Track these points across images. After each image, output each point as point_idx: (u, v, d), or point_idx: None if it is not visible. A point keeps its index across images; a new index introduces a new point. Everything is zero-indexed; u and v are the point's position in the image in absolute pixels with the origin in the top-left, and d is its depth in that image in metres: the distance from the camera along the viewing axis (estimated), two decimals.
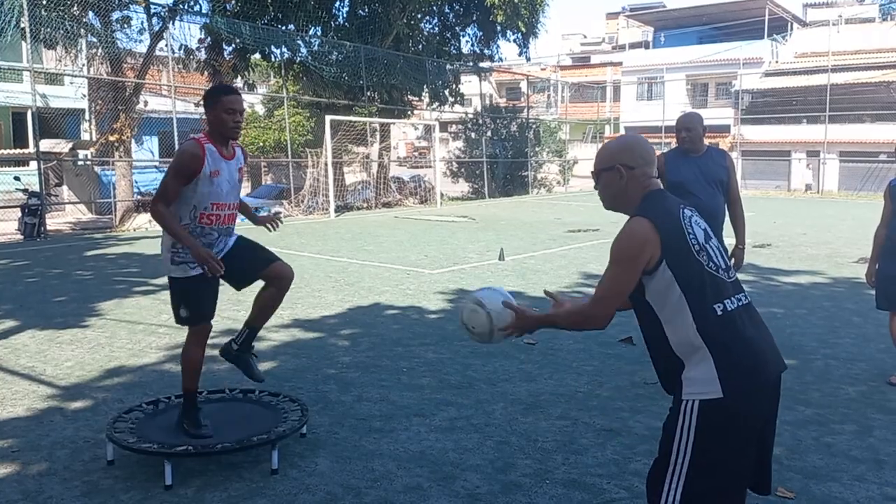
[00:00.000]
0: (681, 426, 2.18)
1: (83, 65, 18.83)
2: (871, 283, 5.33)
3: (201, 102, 3.98)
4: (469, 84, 29.14)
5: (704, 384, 2.15)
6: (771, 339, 2.30)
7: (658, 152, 4.75)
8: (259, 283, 4.00)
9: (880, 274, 5.22)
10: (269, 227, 4.19)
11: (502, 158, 28.40)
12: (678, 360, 2.22)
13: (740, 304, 2.26)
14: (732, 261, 4.88)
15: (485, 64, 27.42)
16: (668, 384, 2.29)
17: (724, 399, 2.13)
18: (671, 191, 4.75)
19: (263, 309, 4.00)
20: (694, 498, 2.17)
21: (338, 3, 22.46)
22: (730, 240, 5.01)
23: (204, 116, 3.86)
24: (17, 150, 22.71)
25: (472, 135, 29.21)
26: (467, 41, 26.84)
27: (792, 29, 37.42)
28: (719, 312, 2.19)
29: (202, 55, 20.36)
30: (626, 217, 2.32)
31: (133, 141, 19.90)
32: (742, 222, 5.07)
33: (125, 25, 18.55)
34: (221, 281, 3.82)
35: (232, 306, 7.09)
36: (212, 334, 3.97)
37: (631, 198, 2.36)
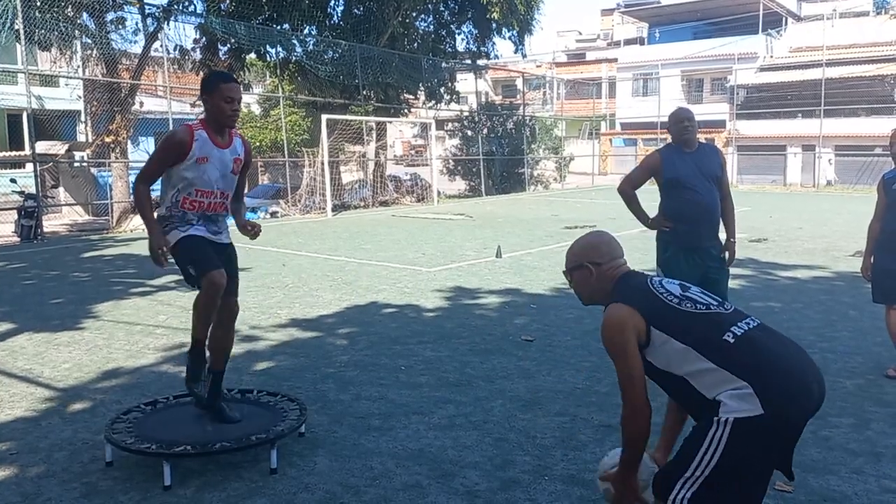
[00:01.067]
0: (710, 439, 2.17)
1: (78, 66, 18.81)
2: (867, 276, 5.34)
3: (198, 100, 3.98)
4: (465, 82, 29.13)
5: (742, 402, 2.15)
6: (799, 348, 2.32)
7: (653, 150, 4.73)
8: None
9: (876, 267, 5.23)
10: (249, 233, 4.03)
11: (499, 156, 28.40)
12: (712, 402, 2.21)
13: (750, 326, 2.29)
14: (726, 254, 4.91)
15: (480, 61, 27.41)
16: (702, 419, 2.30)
17: (764, 416, 2.12)
18: (669, 187, 4.77)
19: (218, 350, 3.94)
20: (704, 500, 2.19)
21: (333, 1, 22.48)
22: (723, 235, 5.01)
23: (200, 117, 3.85)
24: (13, 153, 22.65)
25: (469, 132, 29.22)
26: (463, 39, 26.85)
27: (786, 24, 37.47)
28: (731, 340, 2.23)
29: (197, 55, 20.36)
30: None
31: (129, 142, 19.87)
32: (733, 216, 5.06)
33: (120, 26, 18.54)
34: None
35: None
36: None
37: (604, 289, 2.51)
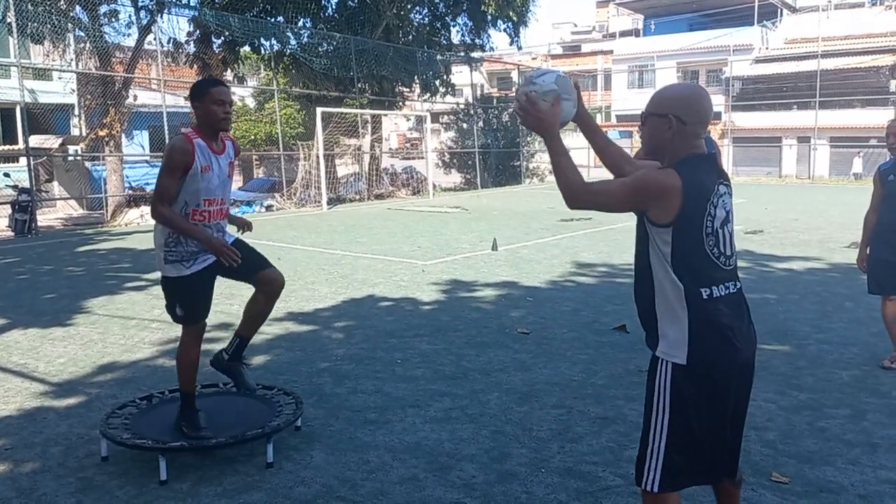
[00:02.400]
0: (658, 389, 2.30)
1: (71, 59, 18.73)
2: (863, 267, 5.34)
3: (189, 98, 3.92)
4: (460, 74, 29.08)
5: (673, 346, 2.26)
6: (747, 328, 2.35)
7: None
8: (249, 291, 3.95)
9: (871, 258, 5.23)
10: (240, 229, 4.00)
11: (494, 149, 28.38)
12: (654, 310, 2.32)
13: (728, 291, 2.30)
14: None
15: (475, 54, 27.36)
16: (645, 324, 2.41)
17: (688, 367, 2.23)
18: None
19: (254, 317, 3.93)
20: (673, 471, 2.27)
21: None
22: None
23: (191, 124, 3.81)
24: (7, 147, 22.56)
25: (464, 125, 29.18)
26: (458, 31, 26.78)
27: (782, 15, 37.46)
28: (704, 296, 2.25)
29: (191, 48, 20.27)
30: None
31: (123, 135, 19.80)
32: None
33: (113, 19, 18.43)
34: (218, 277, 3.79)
35: (225, 300, 7.08)
36: (206, 328, 3.95)
37: (674, 152, 2.29)
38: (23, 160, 17.61)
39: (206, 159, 3.63)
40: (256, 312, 3.92)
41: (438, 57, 25.10)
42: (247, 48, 21.54)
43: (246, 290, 4.07)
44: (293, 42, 21.32)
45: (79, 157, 21.82)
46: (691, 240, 2.22)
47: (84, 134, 21.86)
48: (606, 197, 2.30)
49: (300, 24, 21.45)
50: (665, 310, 2.29)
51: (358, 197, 22.11)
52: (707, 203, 2.23)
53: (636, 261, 2.43)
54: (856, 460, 3.63)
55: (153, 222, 3.72)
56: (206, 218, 3.67)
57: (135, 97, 21.02)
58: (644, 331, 2.44)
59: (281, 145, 22.07)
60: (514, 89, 33.16)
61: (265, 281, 3.84)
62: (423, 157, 26.97)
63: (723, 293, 2.27)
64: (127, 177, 19.99)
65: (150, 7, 18.14)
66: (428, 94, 25.67)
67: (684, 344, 2.24)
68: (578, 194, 2.27)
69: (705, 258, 2.24)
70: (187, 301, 3.70)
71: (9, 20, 14.59)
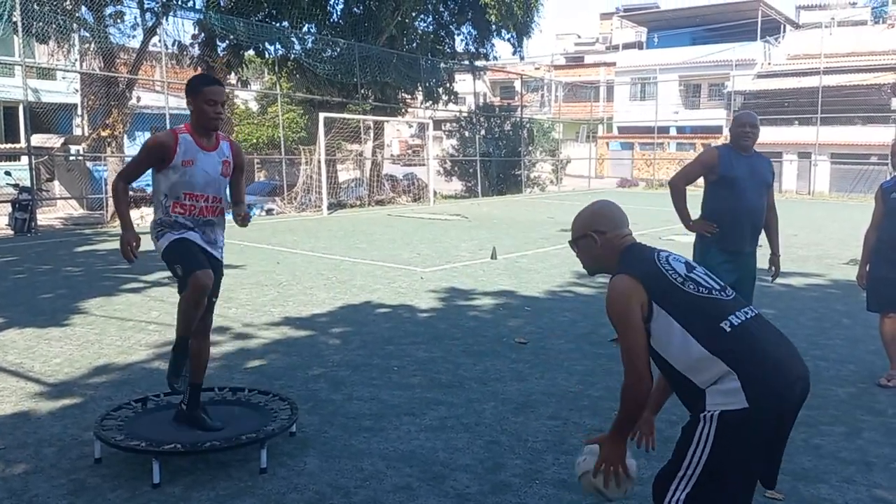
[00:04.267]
0: (698, 436, 2.20)
1: (76, 60, 18.75)
2: (862, 285, 5.34)
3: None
4: (463, 83, 29.14)
5: (728, 396, 2.17)
6: (789, 343, 2.33)
7: (714, 145, 4.73)
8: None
9: (871, 276, 5.23)
10: (238, 220, 3.97)
11: (496, 157, 28.41)
12: (702, 391, 2.23)
13: (748, 316, 2.30)
14: (773, 269, 5.06)
15: (479, 63, 27.41)
16: (691, 406, 2.31)
17: (749, 409, 2.14)
18: (723, 185, 4.74)
19: (193, 362, 3.90)
20: (699, 500, 2.20)
21: (332, 0, 22.43)
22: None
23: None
24: (9, 145, 22.57)
25: (466, 133, 29.23)
26: (462, 40, 26.88)
27: (784, 31, 37.56)
28: (728, 329, 2.23)
29: (196, 51, 20.30)
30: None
31: (125, 136, 19.82)
32: (777, 228, 5.06)
33: (118, 20, 18.49)
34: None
35: (221, 302, 7.06)
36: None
37: (608, 259, 2.50)
38: (24, 159, 17.61)
39: (191, 154, 3.68)
40: (193, 356, 3.89)
41: (442, 65, 25.16)
42: (251, 52, 21.59)
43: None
44: (298, 47, 21.39)
45: (80, 157, 21.84)
46: (674, 295, 2.29)
47: (86, 134, 21.87)
48: (632, 349, 2.30)
49: (305, 29, 21.52)
50: (706, 378, 2.21)
51: (358, 202, 22.12)
52: (658, 267, 2.37)
53: (667, 378, 2.40)
54: (850, 478, 3.62)
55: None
56: (187, 212, 3.73)
57: (138, 98, 21.07)
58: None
59: (283, 149, 22.10)
60: (517, 111, 33.33)
61: (200, 324, 3.83)
62: (424, 164, 27.01)
63: (744, 318, 2.27)
64: None
65: (155, 9, 18.19)
66: (430, 102, 25.71)
67: (739, 390, 2.14)
68: (636, 381, 2.29)
69: (700, 300, 2.29)
70: (182, 256, 3.71)
71: (14, 19, 14.63)
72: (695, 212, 4.97)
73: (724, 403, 2.17)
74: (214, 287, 3.86)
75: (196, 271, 3.63)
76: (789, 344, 2.34)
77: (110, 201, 18.20)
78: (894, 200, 5.10)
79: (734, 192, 4.73)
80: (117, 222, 16.36)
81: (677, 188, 4.91)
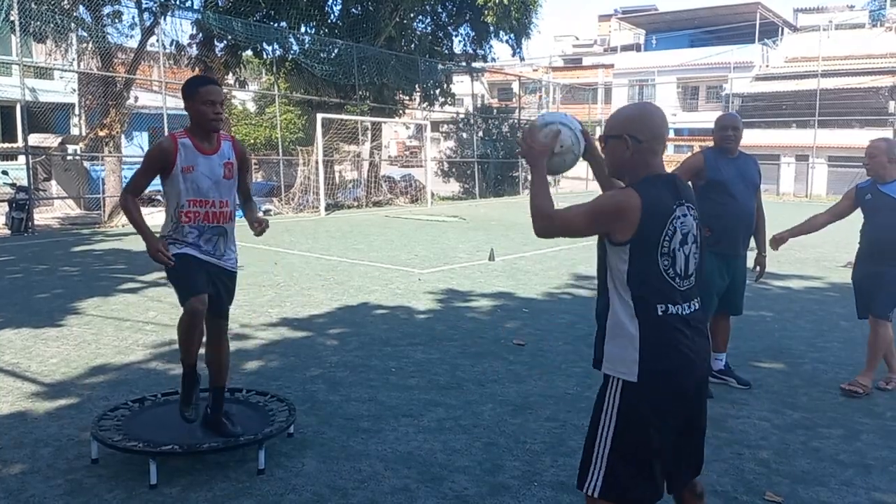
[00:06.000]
0: (606, 405, 2.33)
1: (73, 59, 18.72)
2: (774, 247, 5.21)
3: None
4: (461, 84, 29.13)
5: (623, 364, 2.29)
6: (703, 353, 2.38)
7: (698, 149, 4.72)
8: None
9: (856, 277, 5.17)
10: (255, 230, 3.84)
11: (493, 159, 28.40)
12: (604, 326, 2.37)
13: (685, 312, 2.31)
14: (757, 268, 5.05)
15: (477, 64, 27.41)
16: (596, 343, 2.44)
17: (639, 385, 2.25)
18: (712, 190, 4.70)
19: (211, 366, 3.90)
20: (616, 480, 2.29)
21: (330, 1, 22.42)
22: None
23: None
24: (6, 145, 22.54)
25: (464, 135, 29.19)
26: (460, 41, 26.86)
27: (783, 33, 37.63)
28: (659, 313, 2.27)
29: (193, 51, 20.28)
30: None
31: (123, 136, 19.79)
32: (765, 229, 5.08)
33: (116, 20, 18.46)
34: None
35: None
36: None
37: (634, 170, 2.36)
38: (21, 158, 17.59)
39: (191, 160, 3.60)
40: (212, 361, 3.90)
41: (440, 66, 25.15)
42: (249, 52, 21.57)
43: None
44: (296, 47, 21.38)
45: (78, 157, 21.78)
46: (648, 258, 2.25)
47: (84, 134, 21.83)
48: (572, 223, 2.36)
49: (303, 29, 21.50)
50: (614, 327, 2.32)
51: (356, 203, 22.10)
52: (665, 223, 2.27)
53: (599, 282, 2.44)
54: (849, 481, 3.62)
55: (154, 223, 3.75)
56: (194, 219, 3.65)
57: (136, 98, 21.03)
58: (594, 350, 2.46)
59: (280, 150, 22.07)
60: (515, 113, 33.33)
61: (210, 324, 3.81)
62: (422, 166, 26.99)
63: (679, 312, 2.29)
64: (125, 178, 19.92)
65: (153, 9, 18.17)
66: (428, 104, 25.70)
67: (635, 363, 2.26)
68: (551, 220, 2.36)
69: (660, 277, 2.27)
70: (180, 277, 3.66)
71: (12, 18, 14.60)
72: None
73: (619, 372, 2.30)
74: (227, 295, 3.85)
75: (190, 298, 3.60)
76: (702, 353, 2.37)
77: (108, 201, 18.19)
78: (869, 202, 5.07)
79: (724, 196, 4.70)
80: (114, 222, 16.39)
81: None
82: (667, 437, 2.30)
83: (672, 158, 34.42)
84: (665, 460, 2.32)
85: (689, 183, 4.81)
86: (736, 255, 4.82)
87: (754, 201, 4.89)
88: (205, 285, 3.68)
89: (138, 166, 3.78)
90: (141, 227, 3.61)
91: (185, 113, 3.69)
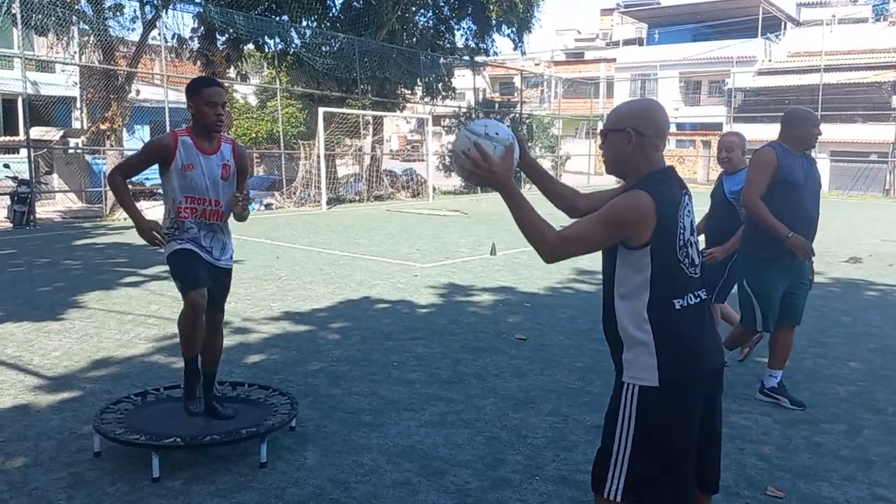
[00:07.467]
0: (623, 411, 2.24)
1: (75, 52, 18.66)
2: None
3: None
4: (463, 78, 29.08)
5: (642, 370, 2.21)
6: (715, 334, 2.36)
7: (766, 144, 4.44)
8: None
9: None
10: (236, 209, 3.78)
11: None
12: (620, 338, 2.27)
13: (699, 300, 2.29)
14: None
15: (479, 58, 27.35)
16: (612, 352, 2.34)
17: (661, 388, 2.19)
18: (784, 190, 4.37)
19: (205, 353, 3.91)
20: (639, 482, 2.22)
21: None
22: None
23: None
24: (7, 138, 22.50)
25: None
26: (462, 35, 26.78)
27: (785, 28, 37.53)
28: (678, 307, 2.23)
29: (195, 45, 20.23)
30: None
31: (124, 130, 19.76)
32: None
33: (118, 13, 18.40)
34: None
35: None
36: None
37: (635, 166, 2.31)
38: (23, 151, 17.57)
39: (190, 158, 3.66)
40: (206, 349, 3.91)
41: (442, 60, 25.09)
42: (251, 46, 21.52)
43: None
44: (297, 41, 21.32)
45: (79, 150, 21.76)
46: (668, 256, 2.21)
47: (85, 127, 21.80)
48: (586, 240, 2.22)
49: (304, 23, 21.45)
50: (631, 334, 2.24)
51: (357, 198, 22.09)
52: (678, 217, 2.23)
53: (605, 295, 2.36)
54: (851, 476, 3.62)
55: (155, 216, 3.75)
56: (192, 215, 3.71)
57: (137, 92, 21.00)
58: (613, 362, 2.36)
59: (282, 144, 22.05)
60: (516, 107, 33.33)
61: (206, 318, 3.82)
62: (423, 160, 26.96)
63: (693, 301, 2.26)
64: None
65: (154, 2, 18.12)
66: (429, 97, 25.66)
67: (654, 367, 2.19)
68: (555, 246, 2.20)
69: (679, 270, 2.23)
70: (181, 271, 3.70)
71: (13, 11, 14.57)
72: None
73: (639, 378, 2.21)
74: (222, 291, 3.89)
75: (190, 291, 3.63)
76: (715, 335, 2.35)
77: (109, 195, 18.17)
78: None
79: (793, 197, 4.31)
80: (116, 216, 16.39)
81: (757, 205, 4.32)
82: (689, 432, 2.25)
83: (674, 153, 34.45)
84: (689, 456, 2.27)
85: (762, 182, 4.33)
86: (803, 258, 4.44)
87: (819, 204, 4.52)
88: (205, 279, 3.73)
89: (135, 152, 3.82)
90: (130, 208, 3.69)
91: (186, 106, 3.71)
